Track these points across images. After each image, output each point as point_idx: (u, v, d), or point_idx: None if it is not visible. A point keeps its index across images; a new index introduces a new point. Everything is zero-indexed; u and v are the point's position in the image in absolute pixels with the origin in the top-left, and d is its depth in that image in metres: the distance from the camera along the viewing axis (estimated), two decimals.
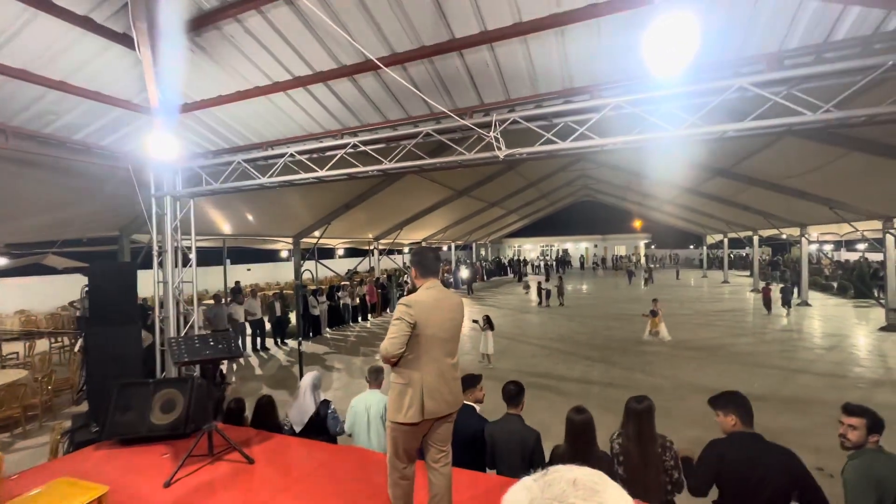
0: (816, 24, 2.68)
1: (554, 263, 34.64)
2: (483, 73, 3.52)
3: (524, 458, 2.82)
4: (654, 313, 11.35)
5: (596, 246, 39.21)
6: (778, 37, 2.82)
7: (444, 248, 29.52)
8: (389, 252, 31.23)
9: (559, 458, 2.65)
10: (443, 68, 3.53)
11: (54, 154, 4.53)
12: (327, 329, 14.30)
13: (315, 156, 4.40)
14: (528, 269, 33.39)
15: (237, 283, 17.40)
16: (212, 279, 19.86)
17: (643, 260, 36.29)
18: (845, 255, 26.97)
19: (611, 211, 32.84)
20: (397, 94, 3.87)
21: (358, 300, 16.43)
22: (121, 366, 5.40)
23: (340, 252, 28.46)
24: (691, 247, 36.34)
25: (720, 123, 2.94)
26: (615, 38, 3.02)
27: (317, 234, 14.15)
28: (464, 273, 21.29)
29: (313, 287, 15.06)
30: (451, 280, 22.94)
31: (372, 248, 19.59)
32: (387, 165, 3.96)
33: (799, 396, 7.42)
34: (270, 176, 4.44)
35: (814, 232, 17.92)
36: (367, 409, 3.73)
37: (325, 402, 4.15)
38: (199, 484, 3.61)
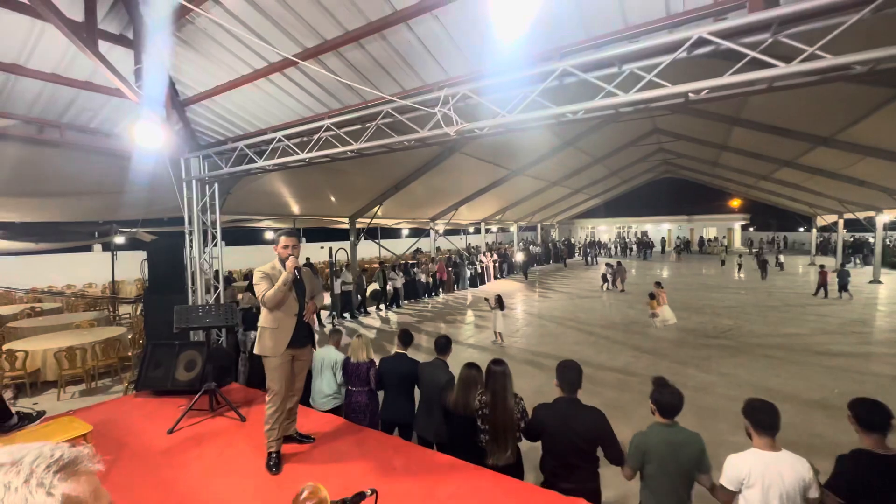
0: None
1: (634, 246, 32.17)
2: (438, 45, 3.34)
3: (439, 391, 3.63)
4: (651, 296, 11.60)
5: (680, 228, 35.56)
6: None
7: (511, 228, 28.99)
8: (455, 232, 31.57)
9: (448, 400, 3.38)
10: (397, 43, 3.41)
11: (105, 145, 5.29)
12: (403, 301, 15.64)
13: (304, 139, 4.59)
14: (603, 252, 31.41)
15: (308, 259, 19.00)
16: None
17: (738, 244, 32.20)
18: None
19: (698, 189, 29.37)
20: (366, 74, 3.85)
21: (431, 278, 17.28)
22: (170, 328, 6.27)
23: (406, 232, 29.40)
24: (801, 229, 31.31)
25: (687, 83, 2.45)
26: None
27: (378, 212, 14.77)
28: (519, 256, 20.53)
29: (391, 264, 16.53)
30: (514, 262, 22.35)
31: (430, 227, 19.92)
32: (357, 146, 4.00)
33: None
34: (266, 159, 4.75)
35: None
36: (321, 360, 4.59)
37: None
38: (194, 434, 4.13)
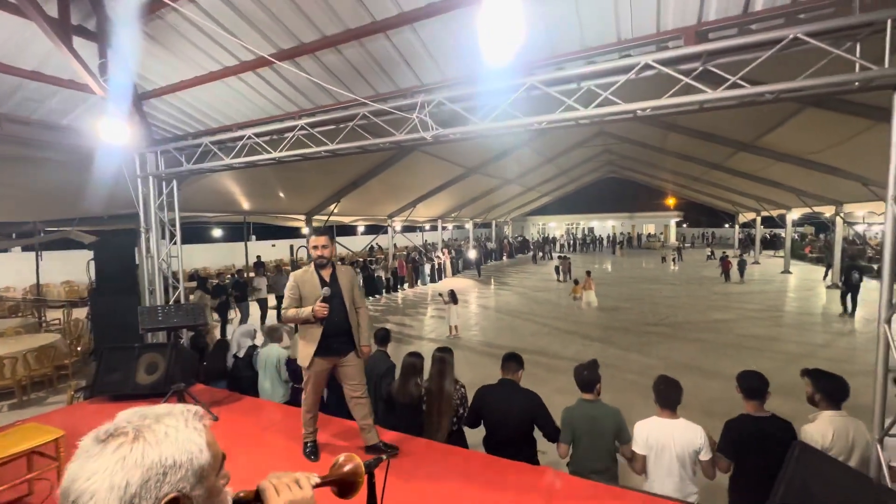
0: None
1: (576, 243, 33.88)
2: (414, 54, 3.55)
3: (380, 380, 3.92)
4: (576, 281, 13.70)
5: (623, 224, 37.97)
6: (693, 9, 2.68)
7: (466, 225, 29.57)
8: (412, 229, 31.65)
9: (392, 388, 3.61)
10: (375, 50, 3.58)
11: (48, 138, 4.96)
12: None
13: (275, 137, 4.61)
14: (557, 247, 32.73)
15: (258, 257, 18.37)
16: (238, 254, 20.95)
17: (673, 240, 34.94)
18: None
19: (639, 188, 31.57)
20: (340, 77, 3.97)
21: (390, 273, 17.34)
22: (122, 331, 5.97)
23: (361, 229, 29.13)
24: (726, 226, 34.56)
25: (632, 102, 2.87)
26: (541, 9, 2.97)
27: (334, 210, 14.57)
28: (471, 254, 21.07)
29: (349, 261, 16.50)
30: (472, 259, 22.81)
31: (387, 225, 19.90)
32: (332, 146, 4.11)
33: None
34: (234, 157, 4.71)
35: (858, 210, 16.66)
36: (265, 359, 4.66)
37: (253, 347, 5.09)
38: None
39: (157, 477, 0.69)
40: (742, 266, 17.77)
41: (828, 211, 16.76)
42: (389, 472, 1.46)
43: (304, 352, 3.13)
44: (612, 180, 31.05)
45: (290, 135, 4.38)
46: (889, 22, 2.28)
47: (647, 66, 2.77)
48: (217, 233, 21.54)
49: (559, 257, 19.53)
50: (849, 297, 12.12)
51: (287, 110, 4.61)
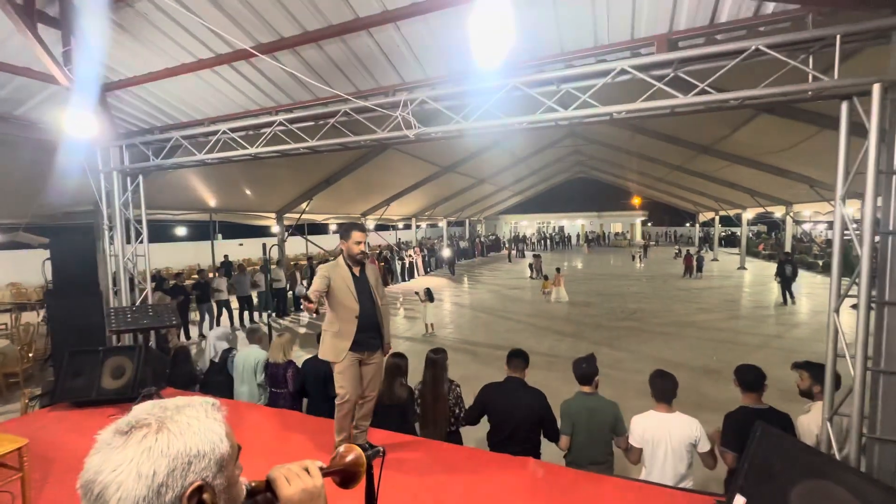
0: (697, 5, 2.71)
1: (547, 241, 34.65)
2: (396, 52, 3.57)
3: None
4: (546, 277, 14.22)
5: (591, 223, 39.14)
6: (665, 18, 2.85)
7: (440, 224, 29.63)
8: (385, 227, 31.43)
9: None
10: (357, 47, 3.58)
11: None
12: None
13: (251, 133, 4.51)
14: (527, 245, 33.23)
15: (225, 256, 17.81)
16: (203, 253, 20.17)
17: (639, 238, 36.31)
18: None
19: (607, 188, 32.63)
20: (320, 72, 3.93)
21: None
22: (83, 334, 5.66)
23: (333, 227, 28.64)
24: (687, 225, 36.23)
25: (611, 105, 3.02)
26: (523, 13, 3.05)
27: (306, 208, 14.26)
28: (445, 252, 21.12)
29: (318, 260, 16.21)
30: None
31: (361, 223, 19.69)
32: (312, 143, 4.07)
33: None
34: (208, 152, 4.56)
35: (806, 210, 17.86)
36: (243, 362, 4.55)
37: (228, 350, 4.92)
38: None
39: (183, 466, 0.70)
40: (700, 261, 18.84)
41: (779, 211, 17.91)
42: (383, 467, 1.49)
43: (338, 346, 3.12)
44: (581, 180, 31.93)
45: (268, 131, 4.30)
46: (838, 37, 2.50)
47: (624, 71, 2.92)
48: (181, 231, 20.63)
49: (533, 255, 19.90)
50: (785, 288, 13.21)
51: (262, 105, 4.51)
